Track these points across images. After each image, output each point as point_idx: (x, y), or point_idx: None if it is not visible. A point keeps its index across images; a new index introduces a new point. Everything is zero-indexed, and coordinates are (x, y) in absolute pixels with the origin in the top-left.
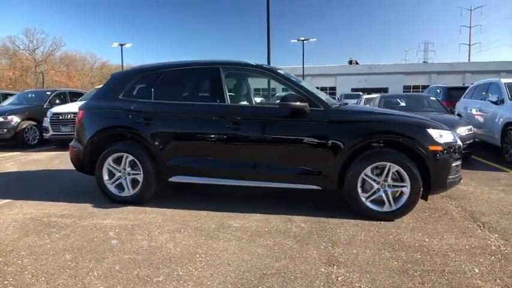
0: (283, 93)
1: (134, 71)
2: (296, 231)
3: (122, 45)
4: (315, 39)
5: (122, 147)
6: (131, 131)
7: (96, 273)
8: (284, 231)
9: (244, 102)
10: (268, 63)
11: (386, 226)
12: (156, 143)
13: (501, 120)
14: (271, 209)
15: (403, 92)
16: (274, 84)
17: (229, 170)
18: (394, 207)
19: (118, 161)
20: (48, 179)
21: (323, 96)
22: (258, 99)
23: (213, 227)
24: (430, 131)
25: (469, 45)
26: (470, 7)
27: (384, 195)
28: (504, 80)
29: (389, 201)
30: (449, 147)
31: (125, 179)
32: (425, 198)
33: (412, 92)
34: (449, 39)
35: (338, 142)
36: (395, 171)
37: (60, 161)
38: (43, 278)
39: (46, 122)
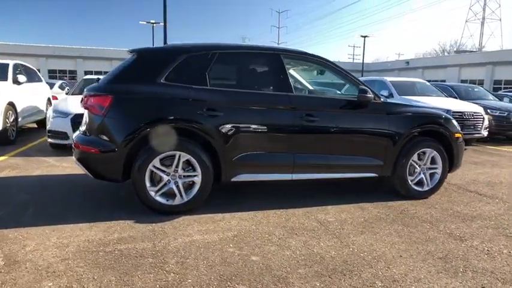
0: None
1: (177, 49)
2: (385, 217)
3: None
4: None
5: (175, 145)
6: (191, 125)
7: None
8: (377, 218)
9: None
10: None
11: (431, 203)
12: (221, 139)
13: None
14: (328, 200)
15: None
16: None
17: (304, 164)
18: (431, 186)
19: (166, 161)
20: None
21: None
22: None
23: (316, 225)
24: (453, 121)
25: (278, 43)
26: (278, 10)
27: (423, 177)
28: (388, 79)
29: (427, 181)
30: (460, 134)
31: (175, 183)
32: None
33: None
34: (261, 36)
35: (396, 132)
36: (432, 156)
37: None
38: None
39: None
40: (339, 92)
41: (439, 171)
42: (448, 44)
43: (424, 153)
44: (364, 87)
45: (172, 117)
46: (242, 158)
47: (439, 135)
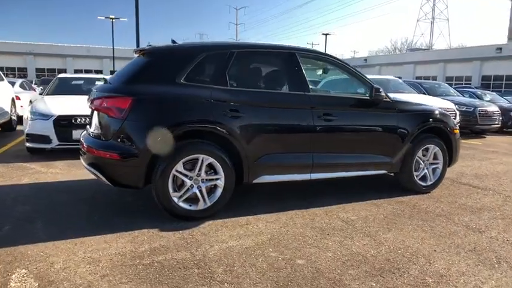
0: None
1: (195, 48)
2: (401, 213)
3: None
4: (126, 19)
5: (199, 148)
6: (214, 126)
7: None
8: (395, 214)
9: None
10: (137, 44)
11: (436, 197)
12: (245, 140)
13: None
14: (341, 198)
15: None
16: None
17: (322, 164)
18: (433, 180)
19: (187, 165)
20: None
21: None
22: None
23: (342, 224)
24: (451, 117)
25: (236, 40)
26: (236, 7)
27: (427, 172)
28: None
29: (430, 176)
30: (458, 130)
31: (198, 187)
32: None
33: None
34: (219, 33)
35: (405, 130)
36: (435, 152)
37: None
38: None
39: None
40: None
41: (440, 166)
42: (399, 42)
43: (427, 149)
44: (377, 86)
45: (195, 119)
46: (264, 159)
47: (440, 131)
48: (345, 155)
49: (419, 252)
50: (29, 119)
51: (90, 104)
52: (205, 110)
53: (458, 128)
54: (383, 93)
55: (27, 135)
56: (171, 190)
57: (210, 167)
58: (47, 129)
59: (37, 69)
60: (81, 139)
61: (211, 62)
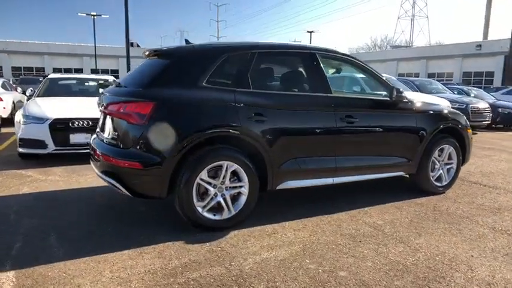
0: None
1: (216, 49)
2: (425, 216)
3: None
4: (107, 16)
5: (223, 154)
6: (239, 131)
7: None
8: (419, 217)
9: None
10: (127, 41)
11: (452, 197)
12: (269, 145)
13: None
14: (360, 201)
15: None
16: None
17: (345, 167)
18: (448, 181)
19: (211, 173)
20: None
21: None
22: None
23: (371, 230)
24: (464, 117)
25: (217, 37)
26: (217, 3)
27: (442, 172)
28: (358, 74)
29: (445, 176)
30: (470, 129)
31: (223, 195)
32: None
33: None
34: (200, 30)
35: (423, 130)
36: (449, 152)
37: None
38: None
39: None
40: None
41: (454, 166)
42: (379, 39)
43: (442, 149)
44: (398, 87)
45: (220, 124)
46: (288, 164)
47: (454, 131)
48: (367, 158)
49: (457, 258)
50: (21, 122)
51: (103, 108)
52: (230, 114)
53: (470, 127)
54: (404, 94)
55: (21, 140)
56: (195, 200)
57: (233, 174)
58: (43, 133)
59: (13, 68)
60: (92, 145)
61: (233, 64)
